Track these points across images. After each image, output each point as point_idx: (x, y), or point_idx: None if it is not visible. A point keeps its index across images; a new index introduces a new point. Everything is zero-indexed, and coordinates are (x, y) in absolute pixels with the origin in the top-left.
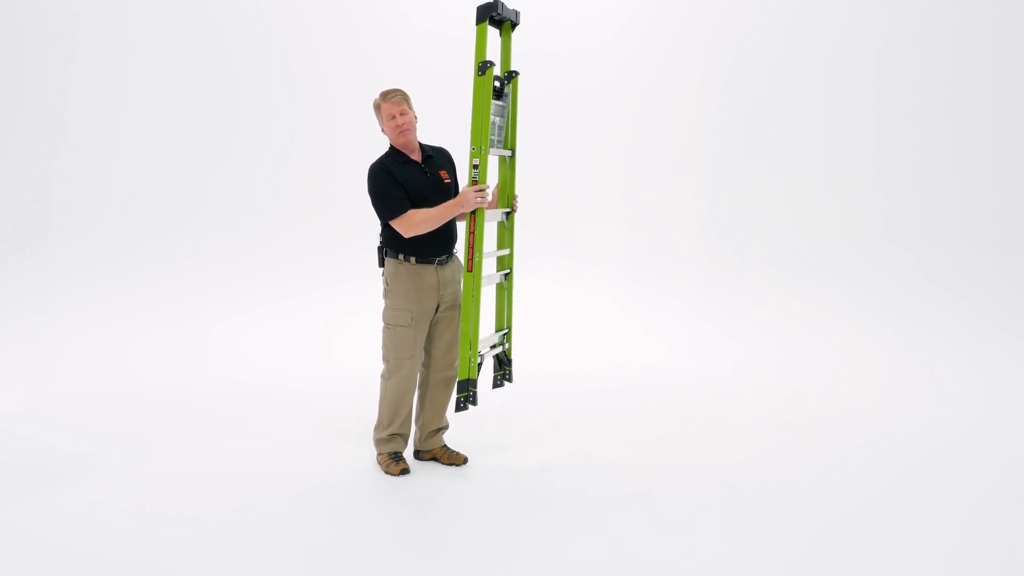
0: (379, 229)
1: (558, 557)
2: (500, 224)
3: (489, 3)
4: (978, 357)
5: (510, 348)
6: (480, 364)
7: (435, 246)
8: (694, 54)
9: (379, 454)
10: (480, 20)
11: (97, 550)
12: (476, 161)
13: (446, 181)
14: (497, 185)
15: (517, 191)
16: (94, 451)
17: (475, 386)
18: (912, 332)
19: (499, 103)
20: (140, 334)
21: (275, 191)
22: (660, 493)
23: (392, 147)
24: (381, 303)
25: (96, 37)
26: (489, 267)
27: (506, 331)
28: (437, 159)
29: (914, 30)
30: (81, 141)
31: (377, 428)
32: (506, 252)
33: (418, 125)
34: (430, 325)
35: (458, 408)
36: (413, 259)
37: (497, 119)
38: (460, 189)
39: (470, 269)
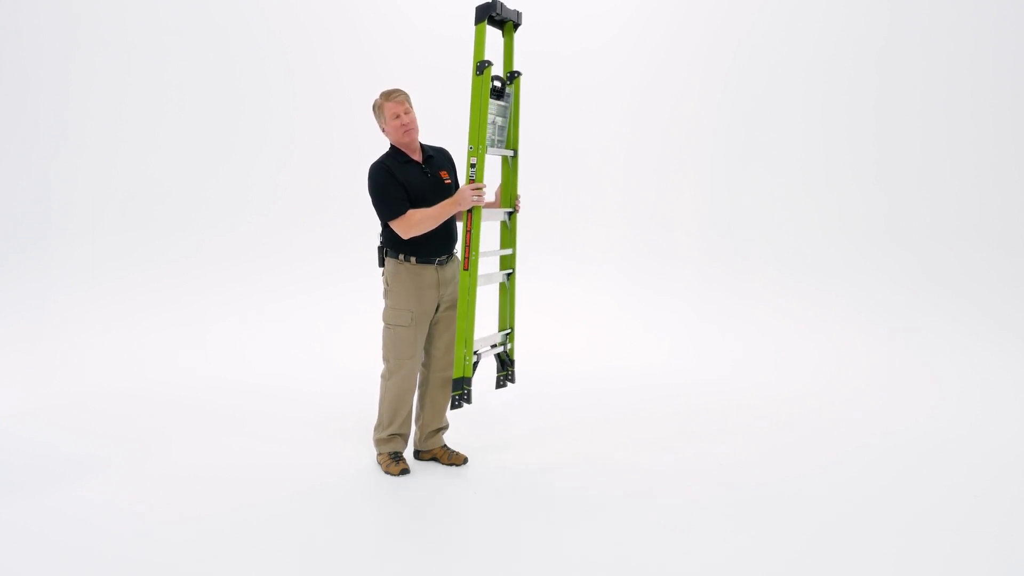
0: (379, 229)
1: (558, 557)
2: (503, 224)
3: (487, 3)
4: (978, 357)
5: (512, 348)
6: (477, 363)
7: (435, 246)
8: (694, 54)
9: (379, 454)
10: (479, 20)
11: (97, 550)
12: (473, 160)
13: (446, 181)
14: (500, 185)
15: (519, 191)
16: (94, 451)
17: (470, 384)
18: (912, 332)
19: (501, 103)
20: (140, 334)
21: (275, 191)
22: (660, 493)
23: (393, 147)
24: (381, 303)
25: (96, 37)
26: (491, 266)
27: (508, 331)
28: (438, 159)
29: (914, 30)
30: (81, 141)
31: (377, 428)
32: (509, 252)
33: (418, 125)
34: (430, 325)
35: (453, 406)
36: (413, 259)
37: (498, 119)
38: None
39: (466, 268)
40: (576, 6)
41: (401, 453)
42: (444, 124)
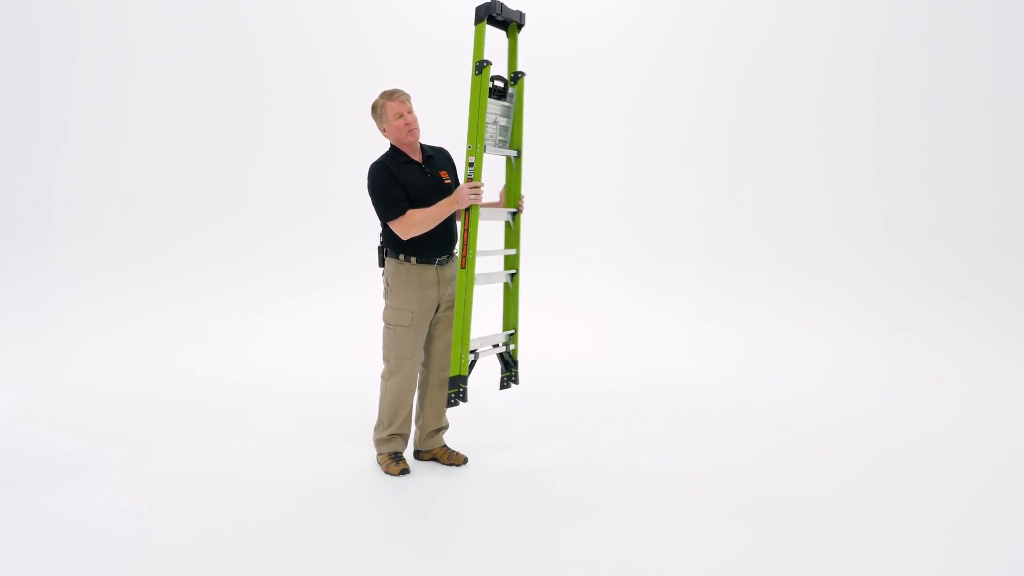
0: (379, 229)
1: (558, 557)
2: (506, 224)
3: (487, 3)
4: (978, 357)
5: (516, 349)
6: (474, 362)
7: (435, 246)
8: (694, 54)
9: (379, 454)
10: (478, 20)
11: (97, 550)
12: (472, 159)
13: (446, 181)
14: (505, 186)
15: (523, 191)
16: (94, 451)
17: (465, 382)
18: (912, 332)
19: (504, 103)
20: (140, 334)
21: (275, 191)
22: (660, 493)
23: (392, 147)
24: (381, 303)
25: (96, 37)
26: (491, 266)
27: (512, 332)
28: (437, 159)
29: (914, 30)
30: (81, 141)
31: (377, 428)
32: (512, 252)
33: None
34: (430, 325)
35: (448, 403)
36: (414, 259)
37: (501, 119)
38: None
39: (463, 266)
40: (576, 6)
41: (401, 453)
42: (444, 124)
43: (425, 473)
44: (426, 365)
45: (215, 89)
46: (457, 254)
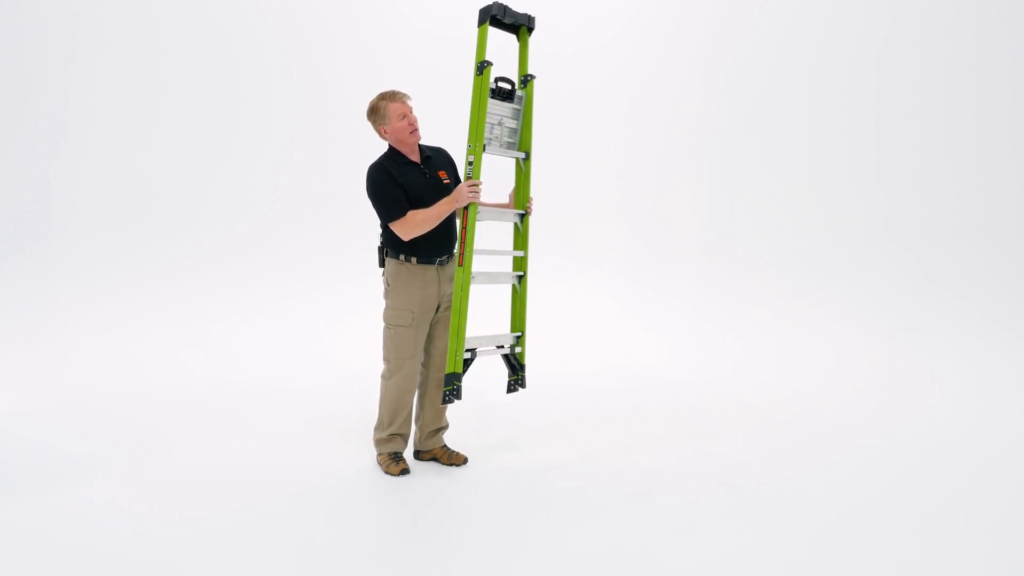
0: (379, 229)
1: (558, 557)
2: (515, 226)
3: (488, 5)
4: (978, 357)
5: (523, 353)
6: (471, 360)
7: (435, 246)
8: (694, 54)
9: (379, 454)
10: (481, 22)
11: (97, 550)
12: (471, 158)
13: (445, 181)
14: (514, 188)
15: (531, 194)
16: (94, 451)
17: (460, 380)
18: (912, 332)
19: (512, 106)
20: (140, 334)
21: (275, 191)
22: (660, 493)
23: (391, 148)
24: (381, 303)
25: (96, 37)
26: (492, 265)
27: (519, 335)
28: (436, 160)
29: (914, 30)
30: (81, 141)
31: (377, 428)
32: (520, 254)
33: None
34: (431, 325)
35: (443, 401)
36: (414, 259)
37: (508, 121)
38: None
39: (460, 264)
40: (576, 6)
41: (401, 453)
42: (444, 124)
43: (425, 473)
44: (426, 365)
45: (215, 89)
46: (456, 253)
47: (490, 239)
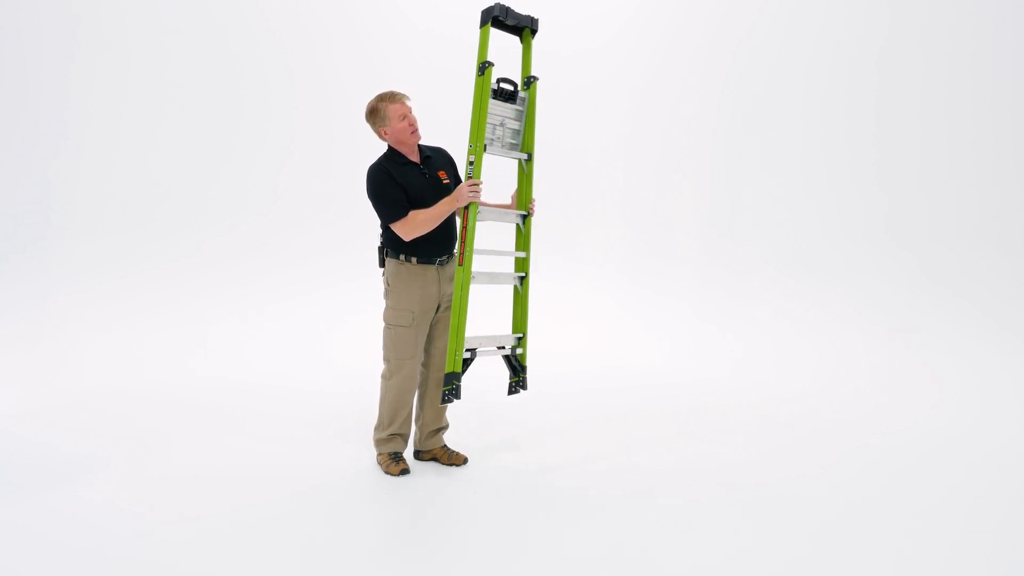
0: (379, 229)
1: (558, 557)
2: (516, 227)
3: (490, 7)
4: (978, 357)
5: (524, 354)
6: (471, 360)
7: (435, 246)
8: (694, 54)
9: (379, 454)
10: (483, 23)
11: (97, 550)
12: (471, 158)
13: (445, 181)
14: (516, 190)
15: (534, 195)
16: (94, 451)
17: (459, 379)
18: (912, 332)
19: (515, 107)
20: (140, 334)
21: (275, 191)
22: (660, 493)
23: (390, 149)
24: (381, 303)
25: (96, 37)
26: (493, 265)
27: (520, 336)
28: (436, 160)
29: (914, 30)
30: (81, 141)
31: (377, 428)
32: (522, 255)
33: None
34: (431, 325)
35: (442, 400)
36: (414, 259)
37: (511, 122)
38: None
39: (460, 263)
40: (576, 6)
41: (401, 453)
42: (444, 124)
43: (425, 473)
44: (426, 365)
45: (215, 89)
46: (457, 253)
47: (492, 240)
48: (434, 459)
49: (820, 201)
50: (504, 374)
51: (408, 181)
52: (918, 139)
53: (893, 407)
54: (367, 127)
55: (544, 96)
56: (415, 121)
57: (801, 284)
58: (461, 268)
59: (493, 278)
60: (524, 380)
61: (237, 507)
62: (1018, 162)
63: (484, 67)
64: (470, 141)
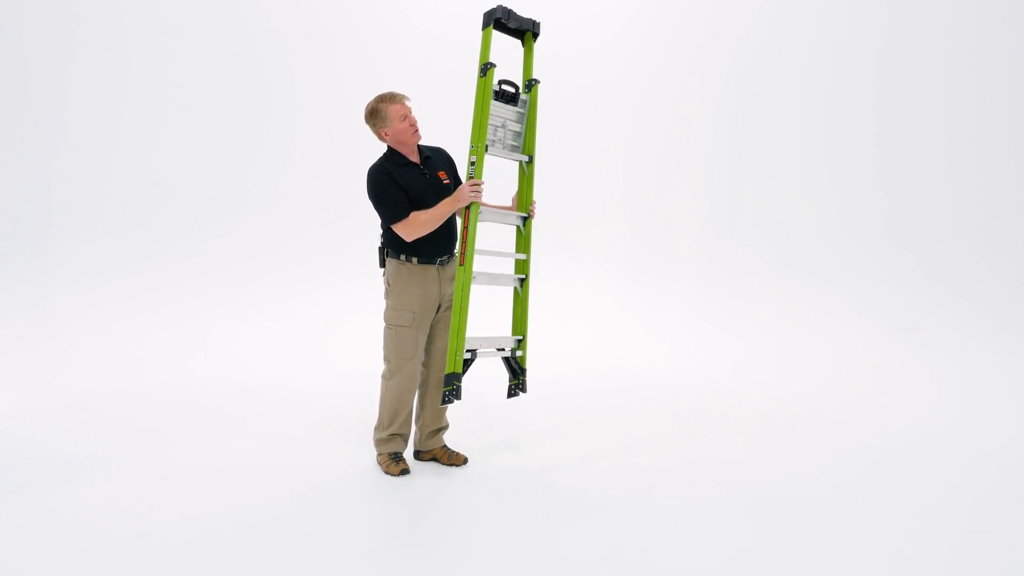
0: (379, 230)
1: (558, 557)
2: (517, 229)
3: (493, 9)
4: (978, 357)
5: (524, 357)
6: (471, 360)
7: (436, 246)
8: (694, 54)
9: (379, 454)
10: (485, 26)
11: (97, 550)
12: (473, 158)
13: (445, 182)
14: (517, 192)
15: (535, 197)
16: (94, 451)
17: (460, 380)
18: (912, 332)
19: (516, 109)
20: (140, 334)
21: (275, 191)
22: (660, 493)
23: (390, 149)
24: (381, 303)
25: (96, 37)
26: (494, 267)
27: (520, 338)
28: (435, 160)
29: (914, 30)
30: (81, 141)
31: (377, 428)
32: (523, 257)
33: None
34: (431, 325)
35: (443, 401)
36: (415, 259)
37: (512, 124)
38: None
39: (461, 263)
40: (576, 6)
41: (401, 453)
42: (444, 124)
43: (425, 473)
44: (426, 365)
45: (215, 89)
46: (457, 253)
47: (492, 242)
48: (434, 459)
49: (820, 201)
50: (504, 375)
51: (409, 182)
52: (918, 139)
53: (893, 407)
54: (367, 128)
55: (544, 96)
56: (415, 121)
57: (801, 284)
58: (462, 268)
59: (494, 279)
60: (524, 383)
61: (237, 507)
62: (1018, 162)
63: (486, 68)
64: (472, 142)
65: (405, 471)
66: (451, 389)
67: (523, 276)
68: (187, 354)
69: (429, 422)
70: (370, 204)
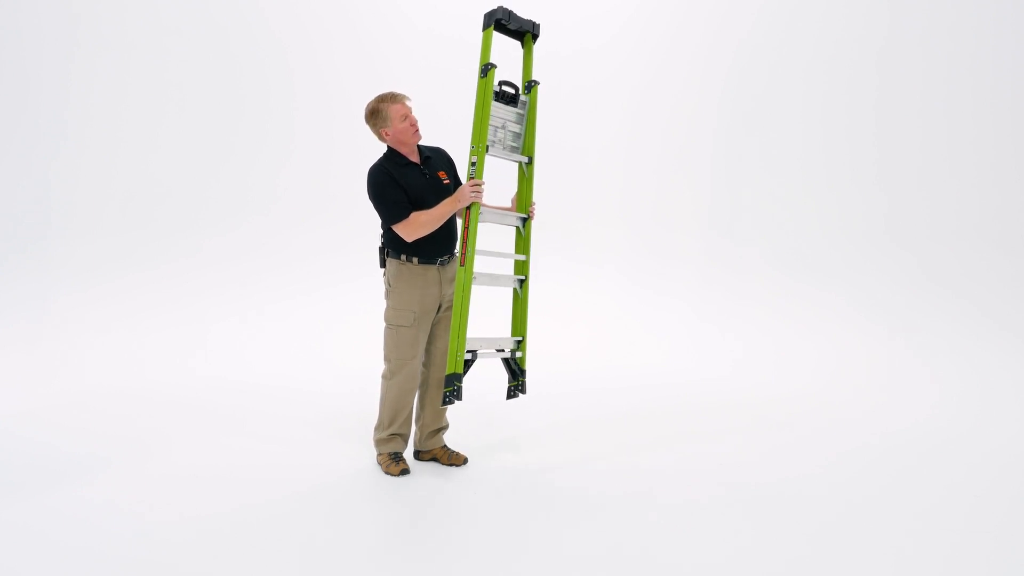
0: (379, 230)
1: (558, 557)
2: (516, 230)
3: (493, 10)
4: (978, 357)
5: (523, 358)
6: (472, 361)
7: (436, 246)
8: (694, 54)
9: (379, 454)
10: (486, 26)
11: (97, 550)
12: (474, 159)
13: (445, 182)
14: (516, 193)
15: (535, 198)
16: (94, 451)
17: (460, 381)
18: (912, 332)
19: (516, 110)
20: (140, 334)
21: (275, 191)
22: (660, 493)
23: (390, 149)
24: (381, 303)
25: (96, 37)
26: (495, 267)
27: (520, 339)
28: (435, 160)
29: (914, 30)
30: (81, 141)
31: (377, 428)
32: (522, 258)
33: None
34: (432, 325)
35: (443, 402)
36: (415, 260)
37: (512, 125)
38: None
39: (462, 263)
40: (576, 6)
41: (401, 453)
42: (444, 124)
43: (425, 473)
44: (426, 365)
45: (215, 89)
46: (458, 253)
47: (492, 243)
48: (434, 459)
49: (820, 201)
50: (504, 375)
51: (409, 182)
52: (918, 139)
53: (893, 407)
54: (367, 128)
55: (544, 96)
56: (416, 121)
57: (801, 284)
58: (463, 269)
59: (494, 280)
60: (523, 384)
61: (237, 507)
62: (1018, 162)
63: (487, 69)
64: (472, 142)
65: (405, 471)
66: (452, 390)
67: (523, 277)
68: (187, 354)
69: (429, 422)
70: (370, 204)
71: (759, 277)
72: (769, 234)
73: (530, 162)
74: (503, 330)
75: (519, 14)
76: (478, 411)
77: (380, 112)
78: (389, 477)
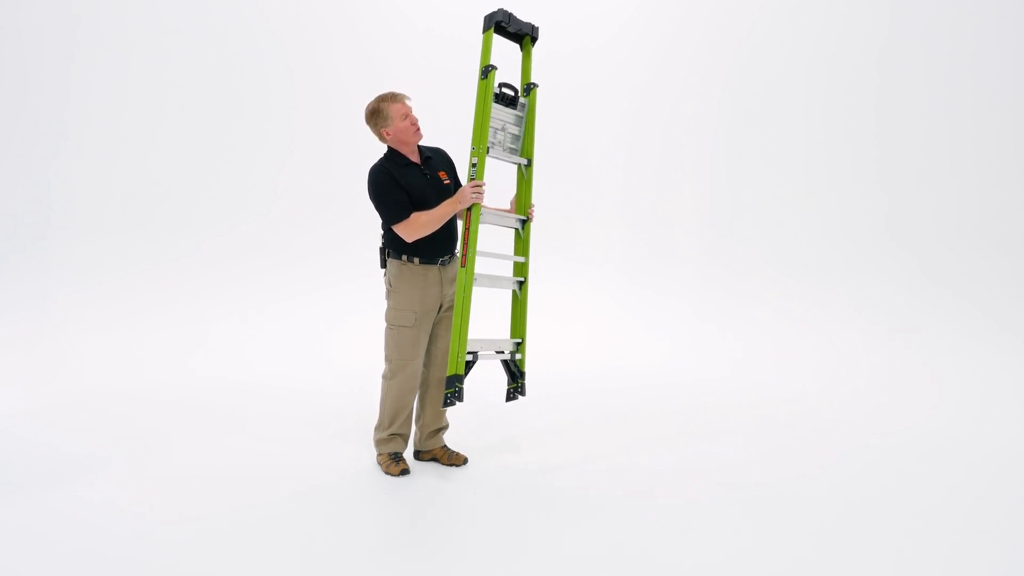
0: (380, 230)
1: (558, 557)
2: (516, 232)
3: (494, 12)
4: (978, 357)
5: (523, 360)
6: (473, 362)
7: (437, 247)
8: (694, 54)
9: (379, 454)
10: (486, 28)
11: (97, 550)
12: (474, 160)
13: (445, 182)
14: (516, 195)
15: (534, 200)
16: (94, 451)
17: (462, 382)
18: (912, 332)
19: (515, 112)
20: (140, 334)
21: (275, 191)
22: (660, 493)
23: (391, 150)
24: (382, 303)
25: (96, 37)
26: (495, 269)
27: (519, 341)
28: (436, 160)
29: (914, 30)
30: (81, 141)
31: (377, 428)
32: (522, 260)
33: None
34: (432, 325)
35: (444, 403)
36: (416, 260)
37: (511, 127)
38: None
39: (463, 264)
40: (576, 6)
41: (401, 453)
42: (444, 125)
43: (425, 473)
44: (427, 365)
45: (215, 89)
46: (458, 254)
47: (492, 244)
48: (434, 459)
49: (820, 200)
50: (503, 377)
51: (410, 182)
52: (918, 139)
53: (893, 407)
54: (367, 128)
55: (544, 96)
56: (417, 120)
57: (801, 284)
58: (464, 270)
59: (494, 281)
60: (522, 386)
61: (237, 507)
62: (1018, 162)
63: (487, 71)
64: (473, 143)
65: (405, 471)
66: (453, 391)
67: (522, 279)
68: (187, 354)
69: (429, 422)
70: (371, 204)
71: (759, 277)
72: (769, 234)
73: (529, 164)
74: (503, 331)
75: (519, 14)
76: (478, 411)
77: (381, 112)
78: (389, 477)
